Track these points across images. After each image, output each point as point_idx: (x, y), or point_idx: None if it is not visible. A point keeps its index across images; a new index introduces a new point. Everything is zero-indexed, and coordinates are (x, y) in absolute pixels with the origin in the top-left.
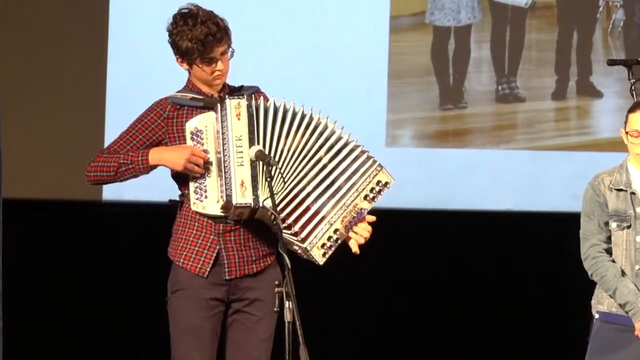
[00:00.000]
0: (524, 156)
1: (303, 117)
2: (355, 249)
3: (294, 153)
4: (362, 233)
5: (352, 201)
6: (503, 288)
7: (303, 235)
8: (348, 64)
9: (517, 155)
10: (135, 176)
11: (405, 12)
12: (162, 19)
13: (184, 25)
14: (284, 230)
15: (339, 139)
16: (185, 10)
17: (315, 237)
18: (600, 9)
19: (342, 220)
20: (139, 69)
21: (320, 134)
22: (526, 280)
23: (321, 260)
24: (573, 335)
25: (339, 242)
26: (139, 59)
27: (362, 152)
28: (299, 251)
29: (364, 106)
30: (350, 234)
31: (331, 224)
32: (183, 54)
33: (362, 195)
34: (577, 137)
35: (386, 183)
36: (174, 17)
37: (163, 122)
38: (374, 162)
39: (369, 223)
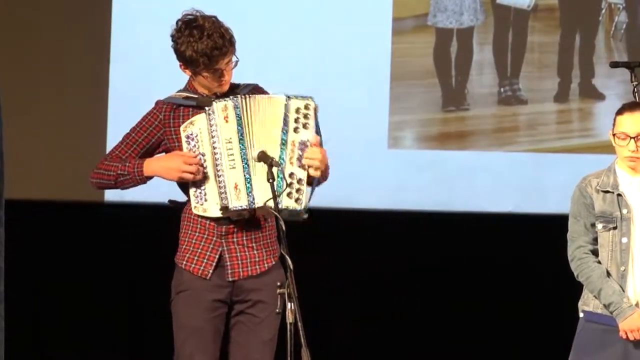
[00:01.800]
0: (526, 158)
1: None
2: (313, 173)
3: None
4: (311, 155)
5: (286, 141)
6: (504, 289)
7: (266, 198)
8: (350, 66)
9: (519, 157)
10: (135, 185)
11: (407, 14)
12: (165, 20)
13: (190, 36)
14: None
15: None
16: (191, 17)
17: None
18: (603, 11)
19: (291, 162)
20: (141, 71)
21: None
22: (528, 281)
23: (298, 208)
24: (572, 336)
25: (303, 182)
26: (142, 60)
27: (270, 98)
28: (284, 216)
29: (366, 108)
30: (304, 161)
31: (282, 172)
32: (187, 63)
33: (292, 130)
34: (580, 140)
35: (306, 105)
36: (178, 24)
37: (160, 125)
38: (280, 96)
39: (314, 145)
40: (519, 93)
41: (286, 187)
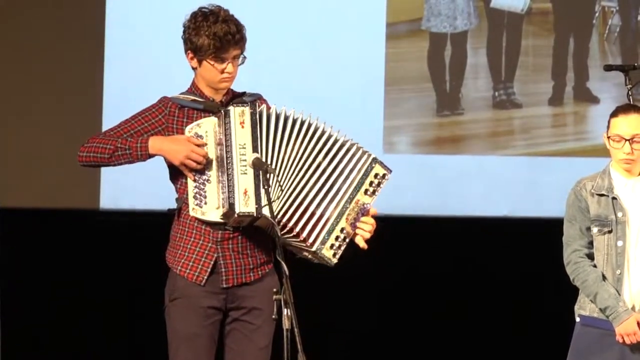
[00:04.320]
0: (521, 162)
1: (303, 124)
2: (362, 244)
3: (295, 160)
4: (365, 227)
5: (353, 198)
6: (500, 293)
7: (310, 240)
8: (344, 71)
9: (514, 161)
10: (131, 162)
11: (401, 18)
12: (159, 23)
13: (204, 22)
14: (292, 239)
15: (335, 141)
16: (207, 10)
17: (322, 239)
18: (597, 14)
19: (347, 219)
20: (136, 76)
21: (318, 139)
22: (523, 285)
23: (333, 261)
24: (569, 340)
25: (347, 240)
26: (137, 65)
27: (357, 148)
28: (310, 256)
29: (360, 113)
30: (356, 229)
31: (336, 224)
32: (196, 50)
33: (362, 190)
34: (574, 143)
35: (384, 175)
36: (194, 13)
37: (164, 118)
38: (369, 156)
39: (373, 217)
40: (513, 97)
41: (336, 239)
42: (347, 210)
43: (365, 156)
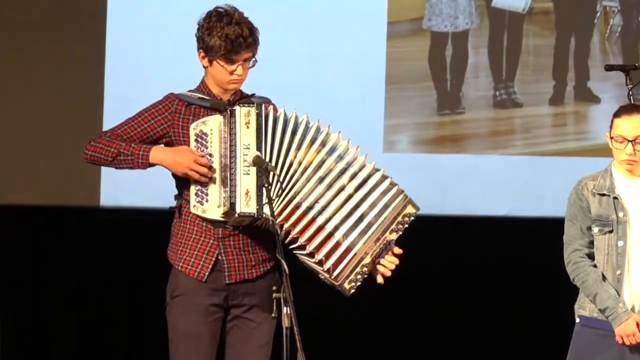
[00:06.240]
0: (521, 161)
1: (317, 132)
2: (380, 280)
3: (307, 167)
4: (388, 266)
5: (382, 236)
6: (500, 293)
7: (335, 273)
8: (345, 70)
9: (514, 160)
10: (131, 168)
11: (402, 17)
12: (159, 25)
13: (218, 22)
14: (315, 265)
15: (362, 166)
16: (222, 10)
17: (347, 274)
18: (598, 14)
19: (372, 255)
20: (137, 76)
21: (341, 157)
22: (523, 285)
23: (349, 293)
24: (568, 339)
25: (367, 274)
26: (137, 65)
27: (391, 184)
28: (325, 280)
29: (361, 112)
30: (378, 266)
31: (362, 260)
32: (207, 49)
33: (391, 228)
34: (575, 143)
35: (413, 214)
36: (209, 13)
37: (170, 116)
38: (405, 197)
39: (396, 255)
40: (514, 96)
41: (357, 274)
42: (375, 247)
43: (401, 197)
